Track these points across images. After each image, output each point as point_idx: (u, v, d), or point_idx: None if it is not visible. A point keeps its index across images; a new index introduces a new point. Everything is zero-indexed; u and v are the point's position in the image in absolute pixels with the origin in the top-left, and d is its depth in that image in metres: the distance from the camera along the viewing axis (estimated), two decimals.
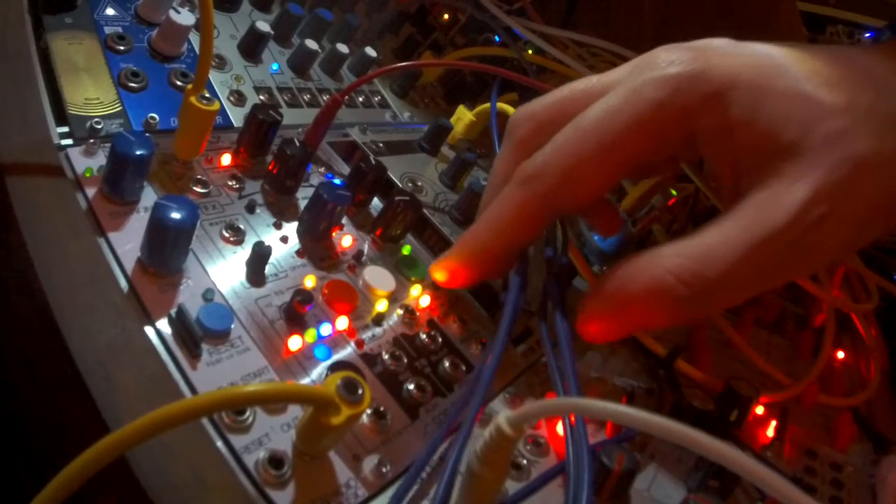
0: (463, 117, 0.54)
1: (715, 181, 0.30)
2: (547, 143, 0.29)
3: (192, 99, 0.32)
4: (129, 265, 0.28)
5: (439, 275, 0.34)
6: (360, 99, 0.53)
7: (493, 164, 0.35)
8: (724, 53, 0.26)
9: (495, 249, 0.32)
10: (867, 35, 0.81)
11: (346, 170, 0.43)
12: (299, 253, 0.35)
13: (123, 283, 0.28)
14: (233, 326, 0.29)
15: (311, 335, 0.31)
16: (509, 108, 0.52)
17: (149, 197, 0.32)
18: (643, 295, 0.26)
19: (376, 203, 0.42)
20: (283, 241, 0.35)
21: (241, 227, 0.33)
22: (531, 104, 0.33)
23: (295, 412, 0.27)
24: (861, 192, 0.23)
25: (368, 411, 0.29)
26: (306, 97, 0.47)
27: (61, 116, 0.32)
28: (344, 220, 0.38)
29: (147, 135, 0.30)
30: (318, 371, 0.30)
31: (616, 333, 0.29)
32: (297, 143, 0.37)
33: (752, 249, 0.23)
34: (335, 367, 0.30)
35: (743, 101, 0.25)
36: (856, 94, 0.24)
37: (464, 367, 0.34)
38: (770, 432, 0.42)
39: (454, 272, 0.34)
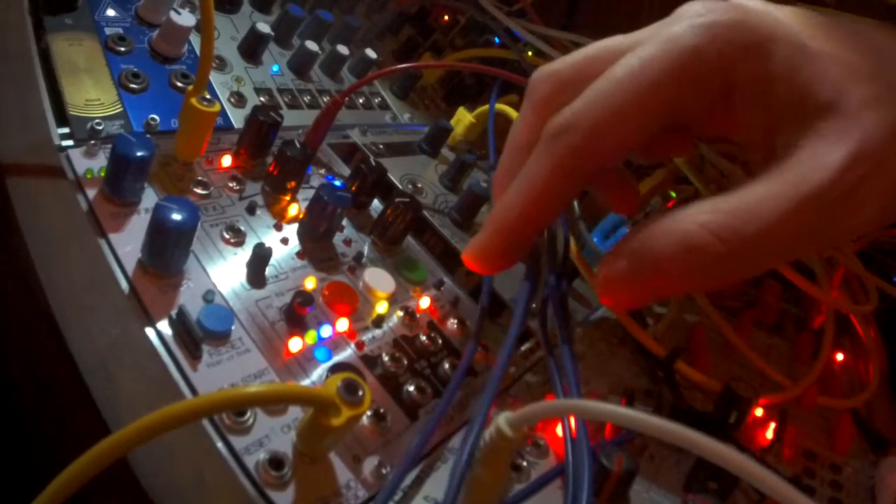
0: (463, 119, 0.54)
1: (748, 138, 0.28)
2: (576, 99, 0.27)
3: (193, 100, 0.32)
4: (130, 266, 0.28)
5: (475, 259, 0.31)
6: (361, 100, 0.53)
7: (511, 130, 0.32)
8: (759, 9, 0.25)
9: (532, 219, 0.29)
10: None
11: (346, 171, 0.43)
12: (300, 254, 0.35)
13: (124, 285, 0.28)
14: (233, 328, 0.29)
15: (311, 337, 0.31)
16: (509, 110, 0.52)
17: (149, 198, 0.32)
18: (674, 253, 0.23)
19: (376, 204, 0.42)
20: (283, 242, 0.35)
21: (242, 228, 0.33)
22: (553, 63, 0.30)
23: (295, 413, 0.27)
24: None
25: (368, 413, 0.29)
26: (306, 98, 0.47)
27: (62, 117, 0.33)
28: (344, 222, 0.38)
29: (148, 136, 0.30)
30: (319, 372, 0.30)
31: (639, 299, 0.26)
32: (298, 145, 0.37)
33: (795, 206, 0.22)
34: (335, 369, 0.30)
35: (783, 55, 0.24)
36: (883, 65, 0.24)
37: None
38: (769, 434, 0.42)
39: (491, 252, 0.30)
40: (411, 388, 0.32)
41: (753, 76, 0.25)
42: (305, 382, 0.29)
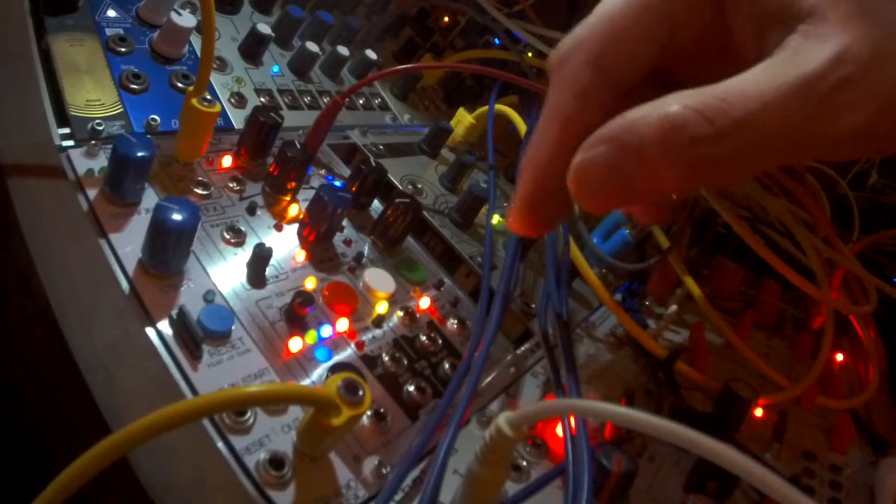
0: (463, 120, 0.54)
1: (741, 52, 0.28)
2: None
3: (194, 101, 0.32)
4: (131, 266, 0.28)
5: (516, 216, 0.28)
6: (361, 101, 0.53)
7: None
8: None
9: (561, 154, 0.26)
10: None
11: (346, 172, 0.43)
12: (300, 255, 0.35)
13: (125, 285, 0.28)
14: (233, 328, 0.29)
15: (311, 337, 0.31)
16: (509, 111, 0.52)
17: (150, 198, 0.32)
18: (659, 133, 0.22)
19: (376, 205, 0.42)
20: (283, 243, 0.35)
21: (242, 228, 0.33)
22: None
23: (295, 413, 0.27)
24: (884, 71, 0.22)
25: (369, 413, 0.29)
26: (307, 99, 0.47)
27: (62, 118, 0.33)
28: (344, 222, 0.38)
29: (148, 136, 0.30)
30: (319, 372, 0.30)
31: (616, 194, 0.23)
32: (298, 146, 0.37)
33: (781, 92, 0.21)
34: (336, 369, 0.30)
35: None
36: None
37: None
38: (769, 434, 0.43)
39: (529, 203, 0.28)
40: (411, 388, 0.32)
41: None
42: (306, 382, 0.29)
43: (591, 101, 0.26)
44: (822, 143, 0.24)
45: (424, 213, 0.41)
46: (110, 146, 0.30)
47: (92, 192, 0.30)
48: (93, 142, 0.32)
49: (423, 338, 0.35)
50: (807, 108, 0.22)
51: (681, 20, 0.26)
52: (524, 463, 0.31)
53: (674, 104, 0.22)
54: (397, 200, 0.39)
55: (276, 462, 0.25)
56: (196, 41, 0.42)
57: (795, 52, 0.22)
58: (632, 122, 0.22)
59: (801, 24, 0.23)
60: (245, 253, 0.32)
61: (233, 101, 0.42)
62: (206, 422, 0.25)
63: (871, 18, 0.23)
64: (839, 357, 0.57)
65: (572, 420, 0.30)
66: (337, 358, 0.31)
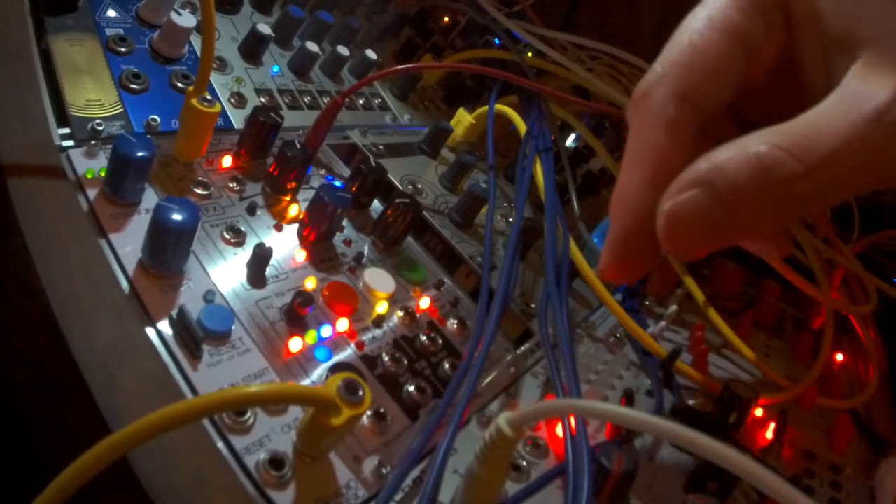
0: (463, 120, 0.54)
1: (811, 80, 0.28)
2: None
3: (194, 101, 0.32)
4: (131, 266, 0.28)
5: (609, 264, 0.27)
6: (361, 101, 0.53)
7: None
8: None
9: (652, 188, 0.24)
10: None
11: (346, 172, 0.43)
12: (300, 255, 0.35)
13: (125, 285, 0.28)
14: (233, 328, 0.29)
15: (311, 337, 0.31)
16: (509, 111, 0.52)
17: (150, 198, 0.32)
18: (750, 175, 0.21)
19: (376, 205, 0.42)
20: (283, 243, 0.35)
21: (242, 228, 0.33)
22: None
23: (295, 413, 0.27)
24: None
25: (369, 413, 0.29)
26: (307, 99, 0.47)
27: (62, 118, 0.33)
28: (344, 222, 0.38)
29: (148, 136, 0.30)
30: (319, 372, 0.30)
31: (713, 240, 0.23)
32: (298, 146, 0.37)
33: (859, 124, 0.21)
34: (336, 369, 0.30)
35: None
36: None
37: None
38: (769, 434, 0.42)
39: (620, 248, 0.26)
40: (411, 388, 0.32)
41: (804, 7, 0.25)
42: (306, 382, 0.29)
43: (678, 137, 0.25)
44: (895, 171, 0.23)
45: (424, 213, 0.41)
46: (110, 146, 0.30)
47: (92, 192, 0.30)
48: (93, 142, 0.32)
49: (423, 338, 0.35)
50: (885, 137, 0.21)
51: (760, 46, 0.25)
52: (524, 463, 0.31)
53: (760, 143, 0.21)
54: (397, 200, 0.39)
55: (276, 462, 0.25)
56: (196, 41, 0.42)
57: (863, 82, 0.22)
58: (720, 164, 0.22)
59: (864, 52, 0.23)
60: (245, 253, 0.32)
61: (233, 101, 0.42)
62: (206, 422, 0.25)
63: None
64: (839, 357, 0.57)
65: (572, 420, 0.30)
66: (337, 358, 0.31)
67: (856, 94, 0.22)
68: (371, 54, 0.54)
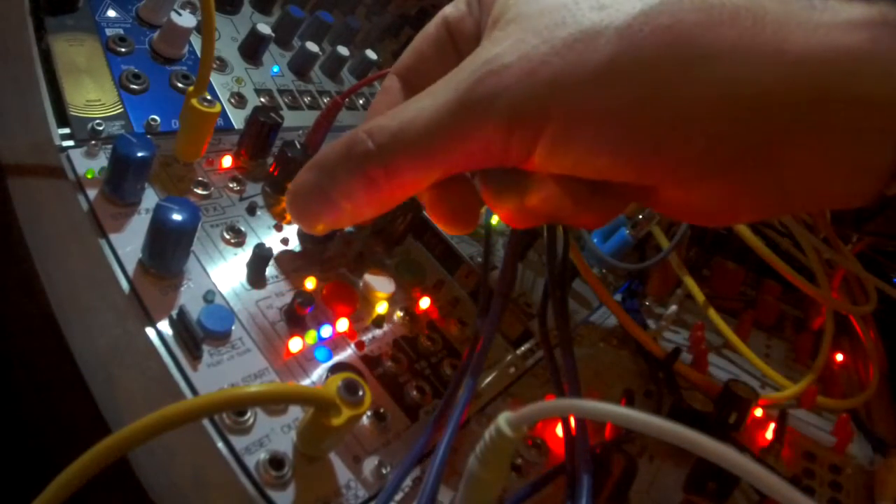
0: None
1: None
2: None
3: (194, 101, 0.32)
4: (131, 267, 0.28)
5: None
6: (361, 101, 0.53)
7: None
8: None
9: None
10: None
11: None
12: (300, 254, 0.35)
13: (125, 285, 0.28)
14: (233, 328, 0.29)
15: (311, 337, 0.31)
16: None
17: (150, 199, 0.32)
18: (340, 156, 0.24)
19: None
20: (283, 242, 0.35)
21: (242, 228, 0.33)
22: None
23: (295, 413, 0.27)
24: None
25: (369, 413, 0.29)
26: (307, 99, 0.47)
27: (62, 118, 0.33)
28: None
29: (148, 136, 0.30)
30: (319, 372, 0.30)
31: (320, 213, 0.25)
32: (298, 146, 0.37)
33: (437, 100, 0.23)
34: (336, 369, 0.30)
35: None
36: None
37: None
38: (769, 434, 0.43)
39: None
40: (411, 389, 0.32)
41: None
42: (306, 382, 0.29)
43: (387, 97, 0.29)
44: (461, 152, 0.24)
45: (424, 212, 0.41)
46: (110, 146, 0.30)
47: (92, 192, 0.30)
48: (93, 142, 0.32)
49: (423, 338, 0.35)
50: (448, 119, 0.22)
51: (459, 25, 0.31)
52: (524, 463, 0.31)
53: (355, 131, 0.24)
54: None
55: (276, 462, 0.25)
56: (196, 41, 0.42)
57: (457, 70, 0.24)
58: (327, 150, 0.25)
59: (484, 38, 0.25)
60: (245, 253, 0.32)
61: (233, 101, 0.42)
62: (206, 422, 0.25)
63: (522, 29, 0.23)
64: (839, 357, 0.57)
65: (572, 420, 0.30)
66: (337, 358, 0.31)
67: (447, 79, 0.24)
68: (371, 54, 0.54)
